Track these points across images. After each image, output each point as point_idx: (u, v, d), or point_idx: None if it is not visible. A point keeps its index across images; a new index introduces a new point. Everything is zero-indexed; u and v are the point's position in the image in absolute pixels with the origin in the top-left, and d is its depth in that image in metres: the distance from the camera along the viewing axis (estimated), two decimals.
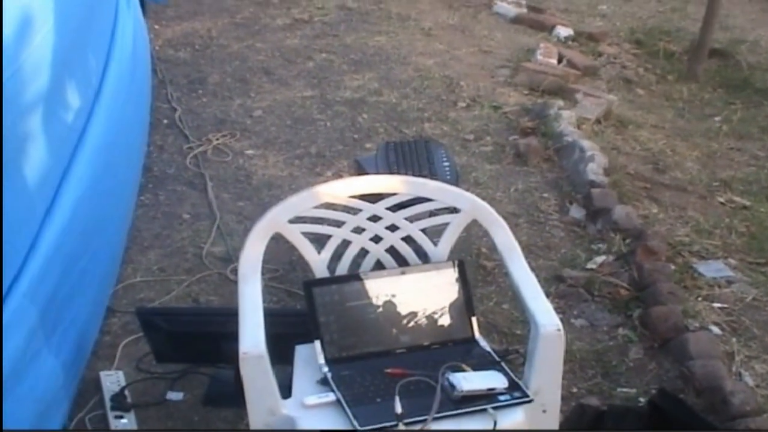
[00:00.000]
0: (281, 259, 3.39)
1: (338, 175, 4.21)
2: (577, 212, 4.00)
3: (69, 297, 2.34)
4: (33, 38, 2.18)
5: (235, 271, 3.28)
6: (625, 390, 2.91)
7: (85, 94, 2.77)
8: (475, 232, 3.47)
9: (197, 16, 6.34)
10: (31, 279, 2.07)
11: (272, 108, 4.97)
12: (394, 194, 2.40)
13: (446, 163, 3.21)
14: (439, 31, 6.42)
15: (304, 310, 2.26)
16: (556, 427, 2.20)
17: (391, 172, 3.05)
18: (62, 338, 2.30)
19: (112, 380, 2.75)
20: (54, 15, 2.38)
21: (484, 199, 2.46)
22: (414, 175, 2.88)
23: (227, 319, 2.19)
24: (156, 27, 5.91)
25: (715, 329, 3.13)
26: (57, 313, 2.24)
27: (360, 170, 3.32)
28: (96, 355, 2.87)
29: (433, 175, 3.01)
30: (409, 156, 3.23)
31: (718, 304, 3.28)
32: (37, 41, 2.22)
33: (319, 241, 2.37)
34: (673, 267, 3.48)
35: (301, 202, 2.34)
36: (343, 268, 2.38)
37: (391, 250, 2.41)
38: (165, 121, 4.70)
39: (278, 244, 2.39)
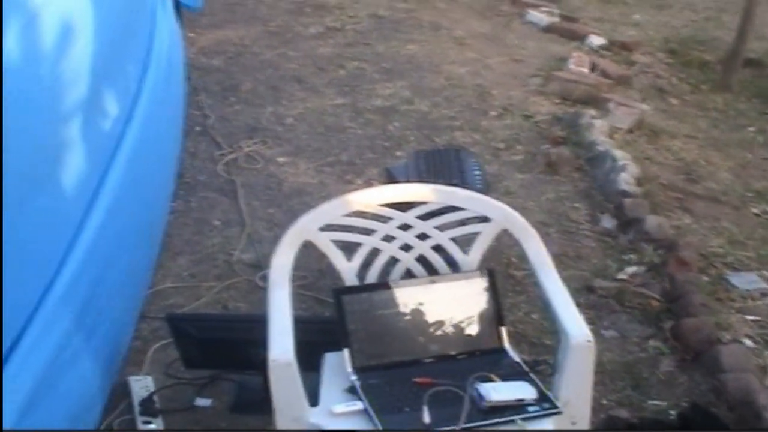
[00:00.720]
0: (310, 266, 3.39)
1: (368, 183, 4.22)
2: (608, 222, 3.98)
3: (105, 301, 2.36)
4: (73, 46, 2.20)
5: (264, 278, 3.29)
6: (655, 402, 2.88)
7: (122, 101, 2.80)
8: (505, 242, 3.45)
9: (231, 25, 6.38)
10: (65, 283, 2.09)
11: (304, 116, 4.99)
12: (425, 203, 2.40)
13: (477, 172, 3.20)
14: (471, 39, 6.42)
15: (333, 317, 2.27)
16: None
17: (421, 181, 3.04)
18: (100, 342, 2.32)
19: (140, 385, 2.77)
20: (94, 23, 2.40)
21: (514, 208, 2.45)
22: (444, 183, 2.87)
23: (256, 326, 2.20)
24: (190, 35, 5.95)
25: (748, 342, 3.09)
26: (94, 317, 2.26)
27: (390, 178, 3.32)
28: (125, 360, 2.88)
29: (463, 184, 3.00)
30: (440, 164, 3.23)
31: (752, 317, 3.24)
32: (78, 49, 2.25)
33: (349, 248, 2.38)
34: (705, 278, 3.45)
35: (332, 210, 2.35)
36: (372, 277, 2.38)
37: (421, 259, 2.41)
38: (197, 128, 4.73)
39: (307, 251, 2.39)
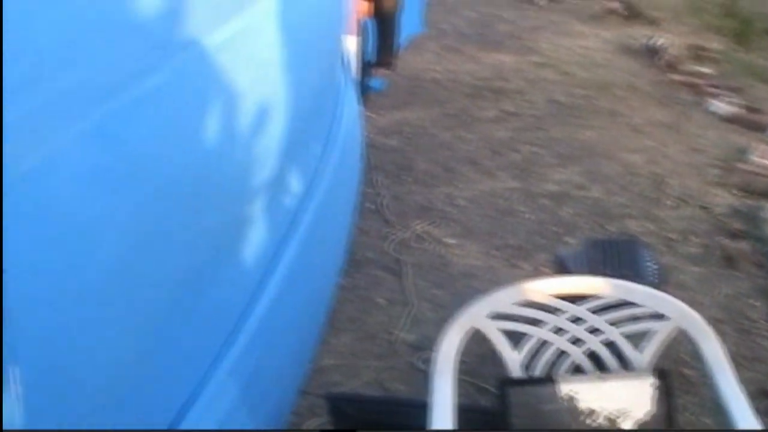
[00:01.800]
0: (471, 350, 3.34)
1: (536, 269, 4.17)
2: None
3: (271, 376, 2.41)
4: (267, 127, 2.30)
5: (425, 360, 3.29)
6: None
7: (303, 178, 2.89)
8: (676, 338, 3.33)
9: (410, 106, 6.51)
10: (235, 356, 2.15)
11: (475, 198, 5.01)
12: (598, 296, 2.35)
13: (651, 264, 3.12)
14: (649, 127, 6.31)
15: (495, 409, 2.24)
16: None
17: (592, 270, 2.99)
18: (263, 418, 2.37)
19: None
20: (288, 105, 2.49)
21: (687, 303, 2.37)
22: (616, 274, 2.81)
23: (416, 412, 2.19)
24: (371, 115, 6.09)
25: None
26: (260, 392, 2.30)
27: (561, 266, 3.28)
28: None
29: (636, 276, 2.93)
30: (612, 254, 3.17)
31: None
32: (270, 129, 2.34)
33: (515, 338, 2.35)
34: None
35: (503, 298, 2.33)
36: (538, 369, 2.34)
37: (591, 355, 2.36)
38: (370, 206, 4.82)
39: (468, 335, 2.37)
